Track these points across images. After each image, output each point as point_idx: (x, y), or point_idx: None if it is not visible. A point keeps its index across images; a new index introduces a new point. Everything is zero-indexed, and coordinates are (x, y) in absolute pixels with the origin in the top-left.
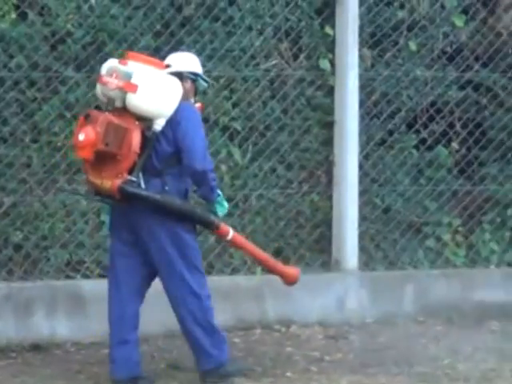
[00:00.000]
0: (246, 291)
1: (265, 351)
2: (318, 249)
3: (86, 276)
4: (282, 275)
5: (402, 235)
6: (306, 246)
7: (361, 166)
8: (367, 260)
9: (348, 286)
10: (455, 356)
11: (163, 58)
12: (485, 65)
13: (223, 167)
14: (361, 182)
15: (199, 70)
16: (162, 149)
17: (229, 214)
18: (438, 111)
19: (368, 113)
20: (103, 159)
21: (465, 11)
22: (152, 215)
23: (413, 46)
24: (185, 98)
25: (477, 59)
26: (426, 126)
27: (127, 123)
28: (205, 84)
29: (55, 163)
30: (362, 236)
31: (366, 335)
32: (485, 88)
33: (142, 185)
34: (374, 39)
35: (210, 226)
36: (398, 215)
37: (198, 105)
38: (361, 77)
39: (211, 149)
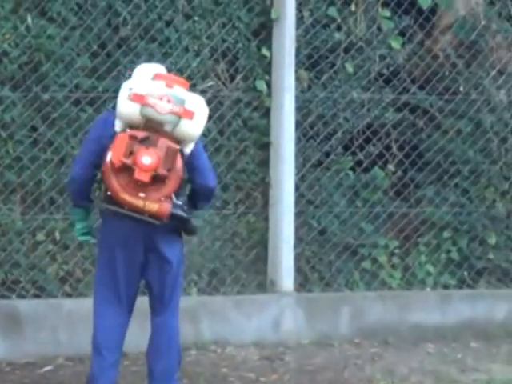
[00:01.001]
0: (182, 312)
1: (200, 372)
2: (254, 270)
3: (21, 296)
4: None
5: (338, 257)
6: (242, 267)
7: (297, 188)
8: (303, 281)
9: (284, 307)
10: (391, 378)
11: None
12: (422, 87)
13: None
14: (297, 203)
15: None
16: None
17: None
18: (375, 133)
19: (304, 134)
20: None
21: (402, 33)
22: (170, 232)
23: (349, 67)
24: None
25: (413, 81)
26: (362, 148)
27: (176, 147)
28: None
29: None
30: (297, 257)
31: (302, 356)
32: (421, 110)
33: (184, 207)
34: (310, 61)
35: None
36: (334, 237)
37: None
38: (297, 98)
39: None
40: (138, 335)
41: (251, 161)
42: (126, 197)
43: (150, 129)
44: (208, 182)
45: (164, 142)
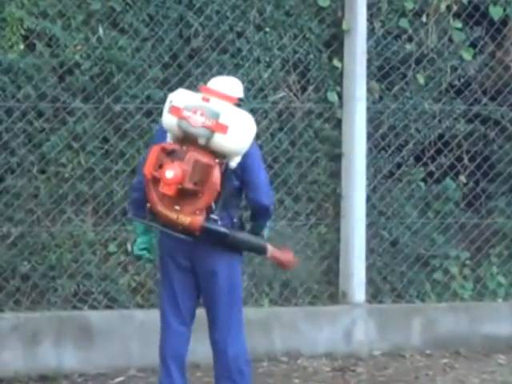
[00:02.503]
0: (253, 323)
1: (272, 383)
2: (326, 281)
3: (93, 307)
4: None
5: (410, 268)
6: (313, 278)
7: (368, 199)
8: (374, 292)
9: (355, 319)
10: None
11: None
12: (493, 98)
13: None
14: (368, 214)
15: (242, 94)
16: (233, 184)
17: None
18: (446, 144)
19: (376, 145)
20: (181, 194)
21: (473, 45)
22: (215, 247)
23: (421, 79)
24: None
25: (485, 93)
26: (433, 159)
27: (210, 161)
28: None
29: (63, 194)
30: (369, 268)
31: (374, 368)
32: (493, 121)
33: (219, 221)
34: (381, 72)
35: (262, 252)
36: (405, 248)
37: None
38: (368, 109)
39: None
40: (210, 347)
41: (323, 172)
42: (162, 209)
43: (188, 141)
44: (261, 199)
45: (192, 156)
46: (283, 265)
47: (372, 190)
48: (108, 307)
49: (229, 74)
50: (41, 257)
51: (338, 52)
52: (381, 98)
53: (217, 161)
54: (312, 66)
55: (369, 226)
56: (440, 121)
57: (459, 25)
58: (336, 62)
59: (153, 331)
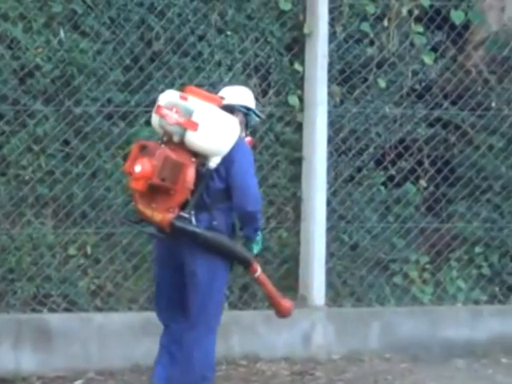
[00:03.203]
0: None
1: None
2: (285, 285)
3: (52, 310)
4: (279, 307)
5: (370, 272)
6: (273, 282)
7: (329, 203)
8: (334, 296)
9: (315, 322)
10: None
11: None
12: (454, 102)
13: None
14: (328, 218)
15: (252, 104)
16: (214, 185)
17: None
18: (407, 148)
19: (336, 149)
20: (154, 191)
21: (434, 49)
22: (195, 247)
23: (382, 83)
24: None
25: (446, 97)
26: (394, 163)
27: (184, 159)
28: (257, 119)
29: (23, 196)
30: (329, 272)
31: (332, 371)
32: (454, 126)
33: (193, 221)
34: (343, 76)
35: (246, 264)
36: (365, 252)
37: (248, 139)
38: (329, 113)
39: None
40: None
41: (283, 175)
42: (141, 206)
43: (169, 139)
44: (244, 205)
45: (163, 152)
46: (281, 310)
47: (332, 194)
48: (67, 310)
49: (190, 77)
50: (0, 259)
51: (300, 56)
52: (342, 101)
53: (193, 160)
54: (273, 70)
55: (329, 229)
56: (401, 125)
57: (420, 29)
58: (297, 66)
59: (111, 334)
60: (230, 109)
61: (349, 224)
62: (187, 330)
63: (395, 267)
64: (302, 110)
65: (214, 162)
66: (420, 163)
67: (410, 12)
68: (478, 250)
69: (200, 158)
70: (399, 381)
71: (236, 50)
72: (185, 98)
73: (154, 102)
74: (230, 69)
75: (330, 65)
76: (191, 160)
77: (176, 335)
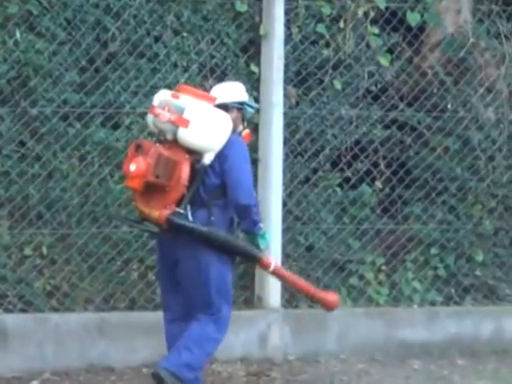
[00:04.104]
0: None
1: None
2: (241, 285)
3: (8, 310)
4: (323, 301)
5: (325, 273)
6: None
7: (284, 204)
8: (290, 297)
9: (270, 323)
10: None
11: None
12: (410, 104)
13: None
14: (284, 219)
15: (244, 97)
16: (210, 181)
17: (151, 250)
18: (363, 150)
19: (292, 151)
20: (152, 189)
21: (390, 50)
22: (195, 246)
23: (338, 84)
24: (233, 128)
25: (402, 98)
26: (350, 165)
27: (177, 156)
28: (251, 110)
29: None
30: None
31: (288, 372)
32: (409, 127)
33: (190, 217)
34: (299, 77)
35: (253, 259)
36: (321, 253)
37: (246, 132)
38: (285, 115)
39: None
40: (124, 351)
41: None
42: (139, 205)
43: (164, 138)
44: (238, 198)
45: (156, 150)
46: (327, 305)
47: (288, 195)
48: (23, 310)
49: (146, 78)
50: None
51: (255, 57)
52: (297, 103)
53: (187, 157)
54: (229, 71)
55: (285, 231)
56: (357, 126)
57: (376, 30)
58: (253, 67)
59: (67, 334)
60: (223, 107)
61: (305, 225)
62: (192, 322)
63: (351, 268)
64: (257, 111)
65: (207, 159)
66: (376, 165)
67: (365, 13)
68: (433, 251)
69: (194, 154)
70: (355, 382)
71: (192, 51)
72: (176, 97)
73: (109, 103)
74: (185, 70)
75: (286, 66)
76: (185, 157)
77: (182, 331)
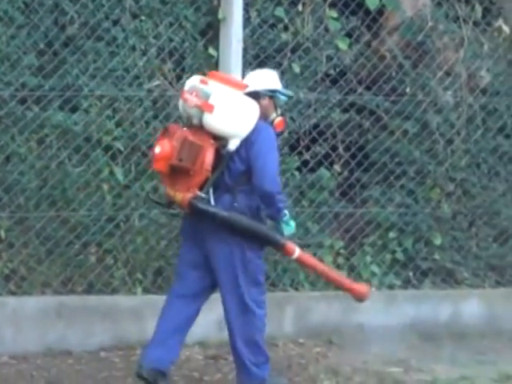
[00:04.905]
0: (126, 311)
1: None
2: None
3: None
4: (352, 292)
5: (284, 257)
6: None
7: None
8: None
9: None
10: (335, 378)
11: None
12: (368, 88)
13: (105, 186)
14: None
15: (277, 85)
16: (235, 167)
17: (109, 234)
18: (321, 133)
19: None
20: (177, 172)
21: (349, 34)
22: (218, 230)
23: (296, 68)
24: (264, 115)
25: (360, 82)
26: (308, 148)
27: (202, 141)
28: (284, 98)
29: None
30: None
31: None
32: (368, 111)
33: (212, 201)
34: (257, 61)
35: (276, 245)
36: None
37: (279, 119)
38: None
39: (93, 168)
40: (82, 334)
41: None
42: (165, 187)
43: (191, 123)
44: (263, 186)
45: (182, 134)
46: (358, 296)
47: None
48: None
49: (104, 61)
50: None
51: (214, 41)
52: None
53: (212, 142)
54: (187, 55)
55: None
56: (315, 110)
57: (335, 14)
58: (211, 51)
59: (25, 318)
60: (255, 94)
61: None
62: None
63: (309, 252)
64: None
65: (233, 145)
66: (334, 148)
67: None
68: (392, 235)
69: (220, 140)
70: (313, 365)
71: (150, 34)
72: (205, 82)
73: (67, 86)
74: (144, 53)
75: (245, 50)
76: (210, 142)
77: (189, 313)
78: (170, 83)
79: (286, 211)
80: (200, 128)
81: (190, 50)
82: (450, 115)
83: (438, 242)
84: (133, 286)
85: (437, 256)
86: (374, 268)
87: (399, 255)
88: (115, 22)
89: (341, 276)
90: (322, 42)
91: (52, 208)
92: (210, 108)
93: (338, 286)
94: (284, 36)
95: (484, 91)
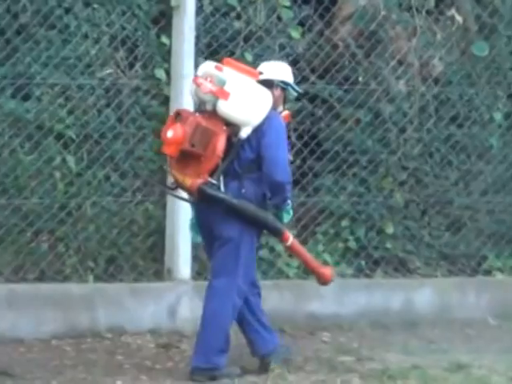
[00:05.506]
0: (77, 299)
1: (95, 359)
2: (151, 258)
3: None
4: (318, 275)
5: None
6: (139, 255)
7: None
8: (200, 269)
9: (180, 295)
10: (286, 366)
11: None
12: (321, 77)
13: (57, 174)
14: None
15: (290, 79)
16: (245, 155)
17: (61, 222)
18: None
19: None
20: (187, 157)
21: (301, 23)
22: (226, 216)
23: (249, 56)
24: (274, 105)
25: (313, 71)
26: None
27: (215, 127)
28: (294, 93)
29: None
30: (195, 245)
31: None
32: (320, 100)
33: (222, 188)
34: (210, 49)
35: (277, 233)
36: None
37: (285, 113)
38: None
39: (45, 156)
40: (33, 322)
41: (149, 149)
42: (174, 172)
43: (204, 108)
44: (273, 175)
45: (195, 119)
46: (320, 277)
47: None
48: None
49: (57, 49)
50: None
51: (167, 29)
52: None
53: (224, 128)
54: (140, 43)
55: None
56: None
57: (287, 3)
58: (164, 39)
59: None
60: (268, 83)
61: None
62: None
63: (261, 240)
64: (168, 83)
65: (245, 132)
66: (287, 137)
67: None
68: (344, 223)
69: (232, 127)
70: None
71: (103, 22)
72: (220, 69)
73: (19, 74)
74: (96, 42)
75: (197, 38)
76: (223, 129)
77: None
78: (123, 71)
79: (289, 200)
80: (213, 114)
81: (143, 38)
82: (403, 104)
83: (390, 230)
84: (84, 273)
85: (389, 245)
86: (327, 257)
87: (351, 244)
88: (68, 10)
89: (315, 261)
90: (275, 30)
91: (4, 196)
92: (226, 95)
93: (307, 267)
94: (237, 24)
95: (436, 80)
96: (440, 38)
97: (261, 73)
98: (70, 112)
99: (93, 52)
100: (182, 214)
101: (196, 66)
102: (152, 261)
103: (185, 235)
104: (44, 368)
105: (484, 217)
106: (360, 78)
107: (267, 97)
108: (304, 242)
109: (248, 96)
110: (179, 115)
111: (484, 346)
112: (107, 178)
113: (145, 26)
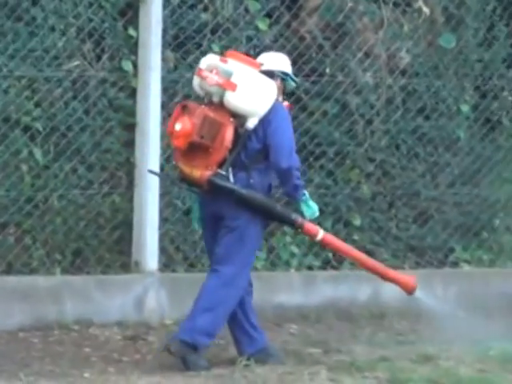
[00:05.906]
0: (44, 291)
1: (62, 352)
2: (118, 250)
3: None
4: (398, 283)
5: (202, 237)
6: (105, 247)
7: (162, 168)
8: (167, 261)
9: (147, 287)
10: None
11: None
12: None
13: (24, 167)
14: (162, 183)
15: (289, 69)
16: (252, 145)
17: (28, 214)
18: None
19: (170, 115)
20: (195, 149)
21: (269, 15)
22: (234, 205)
23: (216, 48)
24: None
25: None
26: None
27: (222, 118)
28: (293, 84)
29: None
30: (162, 238)
31: (165, 336)
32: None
33: (231, 179)
34: (177, 41)
35: (292, 225)
36: None
37: (285, 103)
38: (163, 79)
39: (12, 149)
40: (1, 315)
41: (116, 141)
42: (181, 164)
43: (209, 100)
44: (279, 161)
45: (203, 111)
46: (405, 287)
47: (166, 160)
48: None
49: (23, 42)
50: None
51: (134, 21)
52: (176, 67)
53: (231, 120)
54: (107, 35)
55: (162, 195)
56: None
57: None
58: (131, 31)
59: None
60: (268, 74)
61: (182, 190)
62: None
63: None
64: (135, 75)
65: (251, 123)
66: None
67: None
68: None
69: (238, 118)
70: (232, 346)
71: (70, 14)
72: (225, 61)
73: None
74: (63, 34)
75: (164, 30)
76: (230, 120)
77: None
78: (90, 63)
79: (306, 191)
80: (219, 106)
81: (110, 30)
82: (370, 96)
83: (357, 222)
84: (51, 266)
85: (356, 237)
86: (294, 248)
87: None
88: (34, 2)
89: (380, 265)
90: (242, 22)
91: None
92: (233, 87)
93: (380, 277)
94: (204, 16)
95: (403, 72)
96: (407, 29)
97: (261, 64)
98: (37, 104)
99: (60, 44)
100: (149, 206)
101: (163, 58)
102: (119, 253)
103: (152, 227)
104: (11, 360)
105: (451, 209)
106: (327, 70)
107: (272, 87)
108: (271, 235)
109: (255, 87)
110: (186, 107)
111: (451, 338)
112: (74, 170)
113: (112, 17)
